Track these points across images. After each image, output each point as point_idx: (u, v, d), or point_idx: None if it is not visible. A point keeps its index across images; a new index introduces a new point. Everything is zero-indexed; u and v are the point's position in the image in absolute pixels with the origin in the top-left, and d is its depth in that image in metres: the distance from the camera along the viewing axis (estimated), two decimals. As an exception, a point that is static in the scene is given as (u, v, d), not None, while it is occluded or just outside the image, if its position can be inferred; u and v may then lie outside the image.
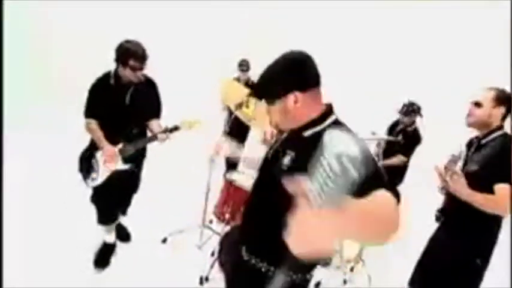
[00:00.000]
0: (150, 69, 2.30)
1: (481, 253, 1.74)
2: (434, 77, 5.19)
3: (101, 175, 2.28)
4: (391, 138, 3.26)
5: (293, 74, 1.03)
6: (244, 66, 3.88)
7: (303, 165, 0.96)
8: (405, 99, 3.39)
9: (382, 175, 0.92)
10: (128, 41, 2.18)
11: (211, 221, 2.94)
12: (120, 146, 2.27)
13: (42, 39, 5.94)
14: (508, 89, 1.76)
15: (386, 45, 5.39)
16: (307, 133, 1.05)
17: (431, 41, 5.25)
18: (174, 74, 5.48)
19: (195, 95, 5.32)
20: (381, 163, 3.30)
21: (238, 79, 3.95)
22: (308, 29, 5.69)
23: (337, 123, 1.07)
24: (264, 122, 1.55)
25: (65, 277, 2.22)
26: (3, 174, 2.36)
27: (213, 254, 2.58)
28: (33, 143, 4.20)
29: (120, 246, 2.62)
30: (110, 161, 2.25)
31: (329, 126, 1.05)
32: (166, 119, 2.46)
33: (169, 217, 2.94)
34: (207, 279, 2.37)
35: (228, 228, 2.51)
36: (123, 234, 2.74)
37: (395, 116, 3.49)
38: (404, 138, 3.36)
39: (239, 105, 2.54)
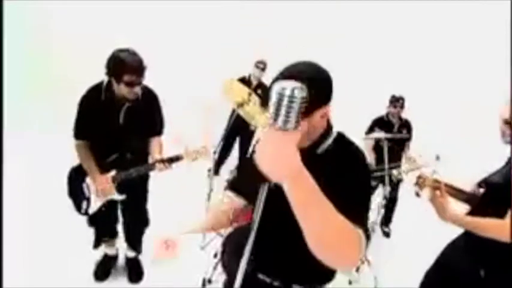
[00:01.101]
0: (153, 72, 2.10)
1: (487, 263, 1.46)
2: (433, 77, 5.16)
3: (92, 206, 2.05)
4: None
5: (331, 85, 0.94)
6: (261, 64, 3.87)
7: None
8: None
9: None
10: (121, 50, 1.78)
11: (213, 222, 2.89)
12: (113, 173, 2.00)
13: (42, 39, 5.91)
14: (508, 89, 1.62)
15: (383, 45, 5.36)
16: (319, 150, 0.99)
17: (430, 41, 5.22)
18: (177, 74, 5.46)
19: (198, 96, 5.28)
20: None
21: (248, 78, 3.91)
22: (310, 27, 5.65)
23: (340, 136, 1.03)
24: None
25: (67, 277, 2.20)
26: (3, 174, 2.34)
27: (215, 256, 2.54)
28: (33, 143, 4.18)
29: (123, 247, 2.58)
30: (103, 195, 2.01)
31: (336, 139, 1.01)
32: (168, 119, 2.40)
33: (172, 218, 2.90)
34: (209, 281, 2.33)
35: (230, 229, 2.47)
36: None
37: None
38: (408, 132, 3.34)
39: (240, 104, 2.52)
